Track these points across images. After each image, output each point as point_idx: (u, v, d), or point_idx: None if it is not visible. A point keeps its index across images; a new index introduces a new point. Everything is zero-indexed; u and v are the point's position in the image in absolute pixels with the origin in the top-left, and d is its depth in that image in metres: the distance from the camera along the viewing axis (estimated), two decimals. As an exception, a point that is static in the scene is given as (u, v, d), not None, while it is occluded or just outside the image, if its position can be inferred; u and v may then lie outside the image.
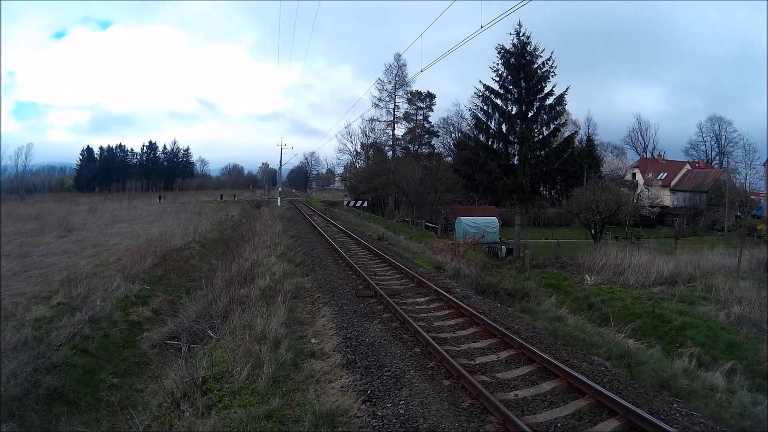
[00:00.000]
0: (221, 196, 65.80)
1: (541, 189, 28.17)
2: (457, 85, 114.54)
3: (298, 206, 46.50)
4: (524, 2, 8.95)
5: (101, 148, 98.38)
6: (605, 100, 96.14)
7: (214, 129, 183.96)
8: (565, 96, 25.60)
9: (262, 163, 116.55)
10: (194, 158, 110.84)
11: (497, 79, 25.79)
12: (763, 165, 48.54)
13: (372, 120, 55.70)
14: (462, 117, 49.96)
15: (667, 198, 49.62)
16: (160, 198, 57.91)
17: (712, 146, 65.19)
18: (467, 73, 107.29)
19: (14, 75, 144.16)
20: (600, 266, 17.52)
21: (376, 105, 54.77)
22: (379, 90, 54.07)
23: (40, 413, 6.77)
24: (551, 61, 25.06)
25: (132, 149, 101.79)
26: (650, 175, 51.89)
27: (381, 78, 53.45)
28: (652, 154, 65.62)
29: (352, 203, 50.11)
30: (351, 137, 59.22)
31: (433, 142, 57.22)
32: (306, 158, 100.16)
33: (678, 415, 4.72)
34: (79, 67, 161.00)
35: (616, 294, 14.24)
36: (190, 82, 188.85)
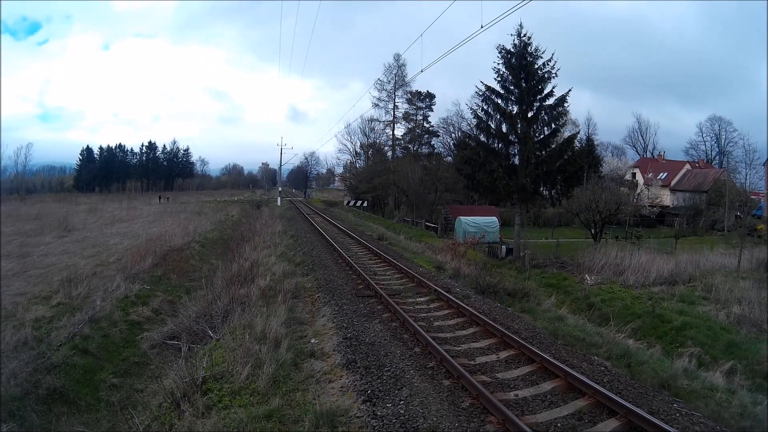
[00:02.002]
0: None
1: (542, 189, 28.16)
2: (457, 86, 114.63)
3: (298, 206, 46.51)
4: (524, 2, 8.96)
5: (101, 148, 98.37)
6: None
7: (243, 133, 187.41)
8: (567, 98, 25.58)
9: (262, 163, 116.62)
10: (194, 158, 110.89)
11: (498, 79, 25.76)
12: (763, 165, 48.54)
13: (372, 120, 55.83)
14: (462, 117, 49.98)
15: (667, 198, 49.64)
16: (160, 198, 57.83)
17: (712, 146, 65.29)
18: (467, 74, 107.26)
19: (50, 82, 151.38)
20: (600, 266, 17.52)
21: (376, 105, 54.90)
22: (378, 90, 54.19)
23: (40, 413, 6.76)
24: (552, 62, 25.06)
25: (132, 149, 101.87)
26: (650, 175, 51.93)
27: (380, 78, 53.62)
28: (652, 154, 65.67)
29: (352, 203, 50.14)
30: (351, 137, 59.32)
31: (432, 142, 57.27)
32: (306, 158, 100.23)
33: (678, 415, 4.72)
34: (118, 77, 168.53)
35: (616, 294, 14.24)
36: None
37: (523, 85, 25.33)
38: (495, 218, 31.76)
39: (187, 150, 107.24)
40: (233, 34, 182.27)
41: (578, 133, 35.58)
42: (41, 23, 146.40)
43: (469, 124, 34.15)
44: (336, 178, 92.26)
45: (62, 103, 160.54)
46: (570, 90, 25.88)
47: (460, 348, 6.44)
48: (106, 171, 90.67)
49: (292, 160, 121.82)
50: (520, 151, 25.91)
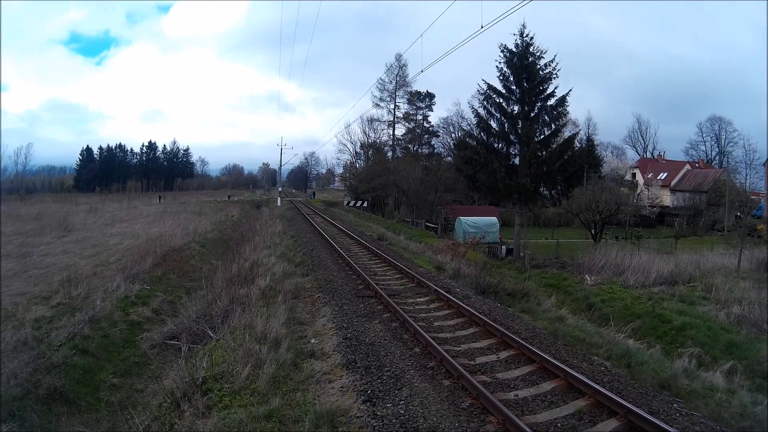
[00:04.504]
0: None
1: (542, 189, 28.19)
2: (457, 86, 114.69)
3: (298, 206, 46.50)
4: (524, 2, 8.96)
5: (101, 148, 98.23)
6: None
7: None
8: (567, 98, 25.63)
9: (263, 163, 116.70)
10: (194, 158, 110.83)
11: (500, 77, 25.83)
12: (763, 165, 48.54)
13: (372, 120, 55.98)
14: (462, 117, 50.06)
15: (667, 198, 49.62)
16: (160, 198, 57.81)
17: (712, 146, 65.25)
18: (467, 74, 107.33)
19: (88, 88, 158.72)
20: (600, 266, 17.52)
21: (377, 105, 55.00)
22: (380, 90, 54.27)
23: (40, 413, 6.77)
24: (554, 63, 25.10)
25: (132, 149, 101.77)
26: (650, 175, 51.91)
27: (382, 78, 53.68)
28: (652, 154, 65.65)
29: (352, 203, 50.10)
30: (351, 137, 59.39)
31: (433, 142, 57.40)
32: (306, 158, 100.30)
33: (678, 415, 4.72)
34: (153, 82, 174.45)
35: (616, 294, 14.24)
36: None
37: (525, 85, 25.38)
38: (495, 218, 31.76)
39: (187, 150, 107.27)
40: (264, 55, 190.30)
41: (578, 133, 35.63)
42: (102, 45, 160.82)
43: (469, 124, 34.29)
44: (336, 178, 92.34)
45: (100, 109, 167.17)
46: (570, 90, 25.98)
47: (460, 348, 6.44)
48: (106, 171, 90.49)
49: (292, 160, 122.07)
50: (521, 151, 25.97)
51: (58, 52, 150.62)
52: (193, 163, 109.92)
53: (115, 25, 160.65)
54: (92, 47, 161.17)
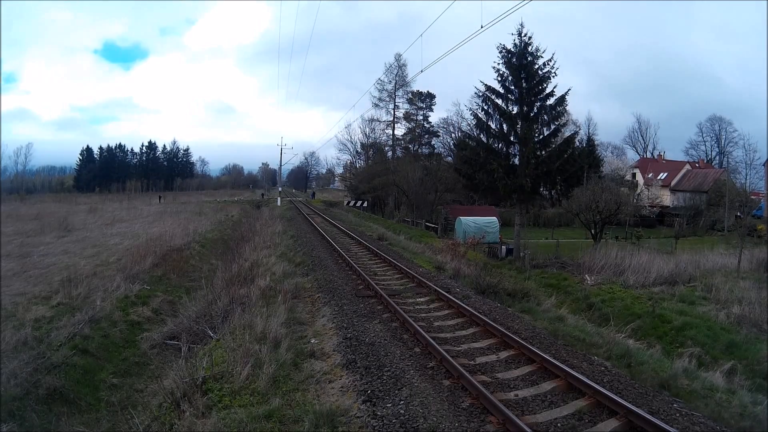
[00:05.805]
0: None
1: (541, 189, 28.17)
2: (457, 87, 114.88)
3: (298, 206, 46.49)
4: (524, 2, 8.96)
5: (101, 148, 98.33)
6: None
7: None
8: (566, 97, 25.63)
9: (262, 163, 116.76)
10: (194, 158, 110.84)
11: (498, 78, 25.80)
12: (763, 165, 48.53)
13: (372, 120, 55.94)
14: (462, 117, 50.01)
15: (667, 198, 49.63)
16: (160, 198, 57.84)
17: (712, 146, 65.29)
18: (467, 75, 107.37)
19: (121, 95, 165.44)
20: (600, 266, 17.53)
21: (377, 105, 54.95)
22: (379, 90, 54.25)
23: (40, 413, 6.77)
24: (552, 62, 25.11)
25: (132, 149, 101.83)
26: (650, 175, 51.95)
27: (381, 78, 53.66)
28: (652, 154, 65.67)
29: (352, 203, 50.09)
30: (351, 137, 59.39)
31: (433, 142, 57.39)
32: (306, 158, 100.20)
33: (678, 415, 4.72)
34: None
35: (616, 294, 14.25)
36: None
37: (524, 84, 25.37)
38: (495, 218, 31.77)
39: (187, 150, 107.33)
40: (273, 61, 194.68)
41: (578, 132, 35.67)
42: (133, 55, 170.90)
43: (469, 124, 34.21)
44: (336, 178, 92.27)
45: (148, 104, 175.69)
46: (569, 89, 25.98)
47: (460, 348, 6.44)
48: (106, 171, 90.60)
49: (292, 160, 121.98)
50: (520, 151, 25.94)
51: (89, 59, 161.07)
52: (193, 163, 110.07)
53: (147, 37, 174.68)
54: (124, 56, 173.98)
